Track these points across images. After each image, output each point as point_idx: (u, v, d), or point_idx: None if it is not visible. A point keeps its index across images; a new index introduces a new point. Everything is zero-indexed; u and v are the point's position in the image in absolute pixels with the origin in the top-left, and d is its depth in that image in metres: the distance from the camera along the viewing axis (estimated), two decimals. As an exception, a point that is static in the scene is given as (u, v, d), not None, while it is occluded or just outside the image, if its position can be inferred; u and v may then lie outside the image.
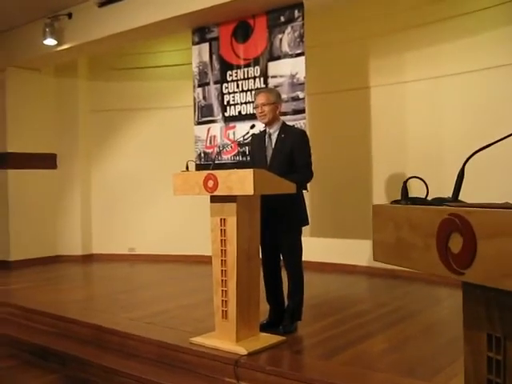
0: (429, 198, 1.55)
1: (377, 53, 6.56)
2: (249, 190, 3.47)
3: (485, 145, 1.47)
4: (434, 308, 4.97)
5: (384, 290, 5.74)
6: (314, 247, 6.58)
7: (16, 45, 7.74)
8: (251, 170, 3.47)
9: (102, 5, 6.41)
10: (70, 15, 6.86)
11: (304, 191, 4.89)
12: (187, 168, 4.04)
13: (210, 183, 3.69)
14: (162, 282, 6.71)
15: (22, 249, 8.02)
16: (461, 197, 1.51)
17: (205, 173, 3.75)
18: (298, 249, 4.15)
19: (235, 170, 3.67)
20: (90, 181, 8.60)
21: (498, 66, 5.57)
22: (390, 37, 6.41)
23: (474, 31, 5.75)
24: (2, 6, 6.84)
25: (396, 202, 1.55)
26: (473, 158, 1.50)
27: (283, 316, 4.17)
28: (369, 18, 6.49)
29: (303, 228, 4.22)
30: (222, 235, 3.77)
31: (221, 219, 3.76)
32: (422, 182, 1.67)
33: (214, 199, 3.80)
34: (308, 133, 6.71)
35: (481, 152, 1.50)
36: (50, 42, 6.90)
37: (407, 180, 1.59)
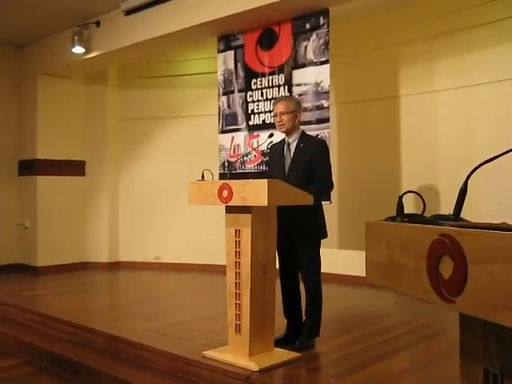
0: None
1: (406, 61, 6.40)
2: (263, 200, 3.38)
3: (489, 158, 1.34)
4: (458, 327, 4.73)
5: (409, 306, 5.52)
6: (339, 259, 6.43)
7: (46, 53, 7.85)
8: (265, 180, 3.38)
9: (128, 13, 6.42)
10: (98, 23, 6.90)
11: (327, 202, 4.77)
12: (203, 177, 3.95)
13: (225, 193, 3.61)
14: (185, 292, 6.65)
15: (49, 255, 8.06)
16: (473, 214, 1.39)
17: (220, 182, 3.68)
18: (316, 262, 4.02)
19: (251, 180, 3.57)
20: (118, 188, 8.62)
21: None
22: (420, 44, 6.24)
23: (508, 37, 5.54)
24: (32, 16, 6.95)
25: (391, 218, 1.43)
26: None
27: (300, 331, 4.04)
28: (398, 25, 6.33)
29: (323, 240, 4.09)
30: (236, 247, 3.67)
31: (235, 230, 3.67)
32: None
33: (229, 210, 3.71)
34: (335, 143, 6.70)
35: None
36: (78, 49, 6.95)
37: (403, 195, 1.46)
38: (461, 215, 1.36)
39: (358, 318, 5.05)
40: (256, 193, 3.41)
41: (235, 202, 3.55)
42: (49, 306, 5.76)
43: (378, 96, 6.56)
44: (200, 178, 3.94)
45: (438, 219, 1.30)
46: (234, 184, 3.57)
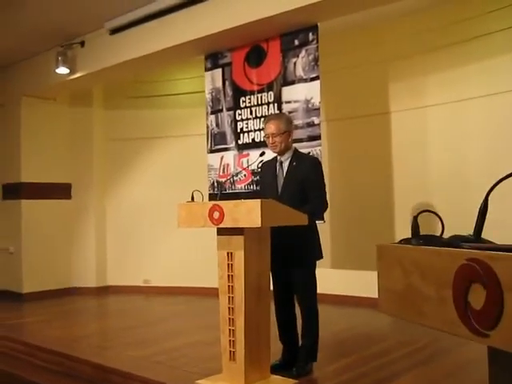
0: (447, 235, 1.30)
1: (397, 76, 6.33)
2: (256, 221, 3.24)
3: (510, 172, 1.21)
4: (462, 348, 4.47)
5: (409, 326, 5.31)
6: (333, 279, 6.29)
7: (30, 74, 7.70)
8: (258, 200, 3.25)
9: (113, 32, 6.31)
10: (82, 43, 6.78)
11: (320, 222, 4.65)
12: (192, 199, 3.81)
13: (216, 215, 3.46)
14: (174, 316, 6.45)
15: (35, 281, 7.83)
16: (485, 234, 1.26)
17: (210, 204, 3.53)
18: (312, 285, 3.88)
19: (242, 200, 3.44)
20: (105, 211, 8.43)
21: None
22: (410, 59, 6.18)
23: (499, 52, 5.49)
24: (15, 36, 6.82)
25: (406, 240, 1.30)
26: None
27: (297, 356, 3.88)
28: (387, 40, 6.27)
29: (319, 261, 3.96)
30: (229, 270, 3.53)
31: (228, 253, 3.54)
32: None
33: (221, 232, 3.58)
34: (326, 160, 6.58)
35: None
36: (62, 70, 6.81)
37: (418, 214, 1.33)
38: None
39: (356, 339, 4.89)
40: (249, 214, 3.28)
41: (227, 223, 3.41)
42: (34, 335, 5.56)
43: (369, 112, 6.47)
44: (190, 200, 3.79)
45: (459, 241, 1.17)
46: (226, 205, 3.43)
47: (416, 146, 6.19)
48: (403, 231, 5.31)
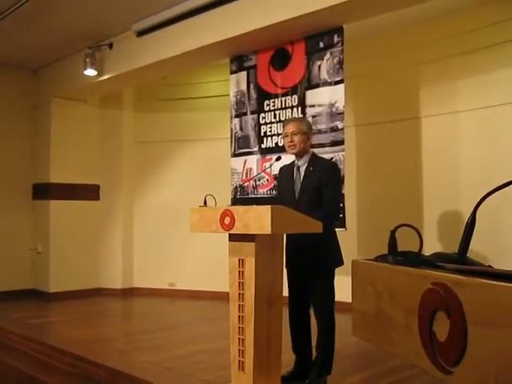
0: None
1: (427, 81, 6.12)
2: (266, 228, 3.14)
3: (498, 186, 1.07)
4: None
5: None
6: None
7: (59, 76, 7.77)
8: (269, 206, 3.14)
9: (140, 34, 6.29)
10: (110, 45, 6.79)
11: (341, 229, 4.52)
12: (205, 203, 3.72)
13: (227, 220, 3.38)
14: (196, 321, 6.39)
15: (61, 280, 7.88)
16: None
17: (221, 208, 3.44)
18: (330, 296, 3.74)
19: (254, 206, 3.33)
20: (133, 213, 8.44)
21: None
22: (441, 63, 5.96)
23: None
24: (46, 39, 6.89)
25: (382, 257, 1.17)
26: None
27: (310, 368, 3.75)
28: (418, 43, 6.08)
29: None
30: (239, 277, 3.43)
31: (239, 260, 3.44)
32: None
33: (232, 238, 3.48)
34: (354, 167, 6.42)
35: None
36: (90, 72, 6.83)
37: (396, 229, 1.21)
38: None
39: (373, 352, 4.70)
40: (259, 220, 3.17)
41: (237, 229, 3.31)
42: (54, 335, 5.59)
43: (399, 117, 6.29)
44: (202, 204, 3.71)
45: (439, 260, 1.04)
46: (237, 210, 3.34)
47: (447, 153, 5.98)
48: (431, 242, 5.10)
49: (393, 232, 1.21)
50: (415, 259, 1.10)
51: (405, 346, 0.98)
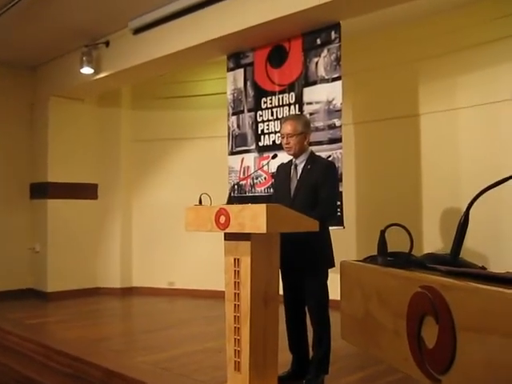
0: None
1: (426, 77, 6.07)
2: (261, 227, 3.11)
3: (493, 182, 1.03)
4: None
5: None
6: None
7: (57, 74, 7.73)
8: (264, 205, 3.10)
9: (137, 32, 6.25)
10: (107, 43, 6.75)
11: (339, 227, 4.48)
12: (200, 202, 3.68)
13: (222, 219, 3.34)
14: (194, 321, 6.35)
15: (59, 280, 7.83)
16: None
17: (217, 207, 3.41)
18: (323, 295, 3.71)
19: (249, 204, 3.30)
20: (131, 212, 8.39)
21: None
22: (440, 59, 5.90)
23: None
24: (42, 37, 6.85)
25: (372, 258, 1.13)
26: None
27: (308, 368, 3.71)
28: (416, 39, 6.02)
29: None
30: (235, 277, 3.41)
31: (234, 259, 3.41)
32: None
33: (228, 237, 3.45)
34: (352, 165, 6.37)
35: None
36: (86, 70, 6.79)
37: (386, 229, 1.17)
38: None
39: (374, 352, 4.68)
40: (254, 219, 3.14)
41: (233, 228, 3.29)
42: (51, 335, 5.54)
43: (397, 115, 6.24)
44: (197, 203, 3.68)
45: (430, 261, 1.00)
46: (232, 209, 3.31)
47: (446, 151, 5.92)
48: (430, 241, 5.04)
49: (383, 232, 1.17)
50: (405, 260, 1.06)
51: (393, 351, 0.93)
